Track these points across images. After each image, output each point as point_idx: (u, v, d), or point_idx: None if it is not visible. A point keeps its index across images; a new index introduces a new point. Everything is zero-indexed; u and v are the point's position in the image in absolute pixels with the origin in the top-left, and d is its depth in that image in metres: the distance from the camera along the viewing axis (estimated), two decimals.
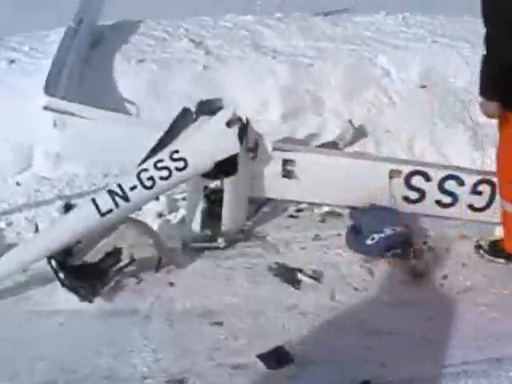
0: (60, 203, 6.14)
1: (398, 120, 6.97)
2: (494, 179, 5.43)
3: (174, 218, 5.95)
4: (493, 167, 5.36)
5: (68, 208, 5.49)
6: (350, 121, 6.79)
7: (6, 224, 5.97)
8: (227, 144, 5.17)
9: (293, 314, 4.86)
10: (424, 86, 7.24)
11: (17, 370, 4.39)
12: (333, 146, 6.59)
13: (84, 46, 7.65)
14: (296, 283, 5.17)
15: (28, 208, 6.17)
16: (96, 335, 4.72)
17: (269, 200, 6.01)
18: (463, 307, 4.95)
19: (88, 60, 7.47)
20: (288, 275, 5.25)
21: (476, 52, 7.12)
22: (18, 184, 6.51)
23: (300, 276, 5.23)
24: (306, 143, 6.64)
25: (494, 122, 5.10)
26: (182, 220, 5.88)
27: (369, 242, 5.40)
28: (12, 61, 7.46)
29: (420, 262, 5.34)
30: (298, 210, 6.12)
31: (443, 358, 4.42)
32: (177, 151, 5.06)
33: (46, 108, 5.98)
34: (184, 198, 5.97)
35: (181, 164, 5.04)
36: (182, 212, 5.96)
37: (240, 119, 5.30)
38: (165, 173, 5.03)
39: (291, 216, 6.08)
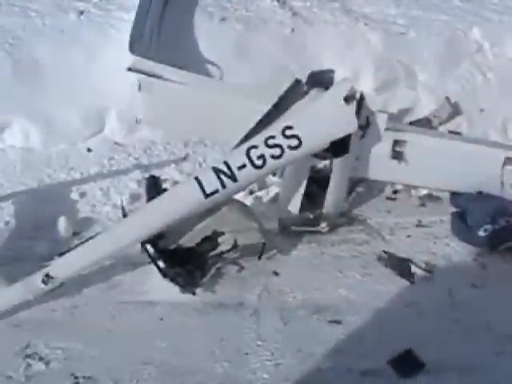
0: (138, 173, 5.35)
1: (493, 99, 6.22)
2: None
3: (266, 195, 5.18)
4: None
5: (152, 181, 4.70)
6: (448, 98, 6.08)
7: (79, 195, 5.23)
8: (345, 122, 4.42)
9: (413, 312, 4.25)
10: None
11: (120, 376, 3.73)
12: (426, 122, 5.86)
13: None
14: (410, 276, 4.55)
15: (102, 178, 5.42)
16: (204, 333, 4.05)
17: (362, 180, 5.24)
18: None
19: (165, 15, 6.49)
20: (400, 266, 4.62)
21: None
22: (89, 150, 5.72)
23: (413, 268, 4.57)
24: (399, 118, 5.85)
25: None
26: (274, 199, 5.16)
27: (481, 233, 4.74)
28: (81, 12, 6.46)
29: None
30: (395, 192, 5.47)
31: None
32: (290, 127, 4.30)
33: (131, 69, 5.10)
34: (274, 174, 5.18)
35: (294, 142, 4.29)
36: (273, 189, 5.21)
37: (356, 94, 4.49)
38: (277, 151, 4.28)
39: (389, 198, 5.43)
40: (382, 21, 6.62)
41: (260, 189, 5.25)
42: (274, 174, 5.22)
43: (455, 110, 6.10)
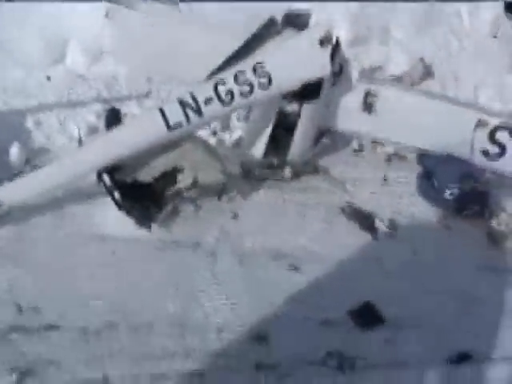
0: (98, 106, 5.02)
1: (466, 66, 5.94)
2: None
3: (229, 138, 4.90)
4: None
5: (112, 114, 4.40)
6: (422, 59, 5.80)
7: (35, 123, 4.87)
8: (318, 65, 4.19)
9: (374, 266, 4.04)
10: (495, 36, 6.19)
11: (67, 308, 3.49)
12: (398, 82, 5.60)
13: None
14: (373, 231, 4.33)
15: (60, 108, 5.07)
16: (158, 271, 3.82)
17: (329, 131, 4.97)
18: None
19: None
20: (363, 221, 4.39)
21: None
22: (48, 79, 5.32)
23: (376, 223, 4.36)
24: (370, 75, 5.59)
25: None
26: (238, 142, 4.87)
27: (447, 195, 4.54)
28: None
29: (498, 223, 4.53)
30: (361, 147, 5.17)
31: None
32: (261, 65, 4.04)
33: None
34: (239, 118, 4.95)
35: (264, 80, 4.06)
36: (237, 133, 4.92)
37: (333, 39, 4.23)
38: (246, 88, 4.05)
39: (355, 153, 5.15)
40: None
41: (224, 131, 4.95)
42: (239, 118, 4.96)
43: (428, 72, 5.84)
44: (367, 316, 3.65)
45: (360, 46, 5.74)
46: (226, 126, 5.00)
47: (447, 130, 4.71)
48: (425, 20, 6.04)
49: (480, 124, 4.68)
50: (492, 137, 4.71)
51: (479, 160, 4.75)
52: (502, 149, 4.75)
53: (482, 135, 4.70)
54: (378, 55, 5.80)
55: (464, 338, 3.58)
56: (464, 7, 6.14)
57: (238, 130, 4.98)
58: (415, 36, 5.95)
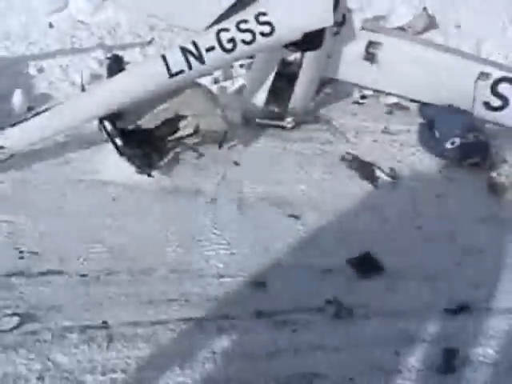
0: (101, 53, 4.91)
1: (470, 16, 5.80)
2: None
3: (231, 86, 4.80)
4: None
5: (115, 61, 4.30)
6: (425, 9, 5.67)
7: (37, 70, 4.77)
8: (321, 14, 4.08)
9: (374, 215, 3.97)
10: None
11: (67, 254, 3.39)
12: (400, 32, 5.49)
13: None
14: (373, 180, 4.26)
15: (62, 55, 4.97)
16: (158, 217, 3.73)
17: (330, 82, 4.87)
18: None
19: None
20: (363, 169, 4.32)
21: None
22: (50, 26, 5.20)
23: (377, 172, 4.28)
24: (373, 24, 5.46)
25: None
26: (239, 90, 4.78)
27: (448, 145, 4.46)
28: None
29: (498, 175, 4.43)
30: (363, 97, 5.12)
31: None
32: (264, 13, 3.95)
33: None
34: (241, 66, 4.83)
35: (267, 29, 3.96)
36: (239, 81, 4.85)
37: None
38: (248, 36, 3.95)
39: (356, 102, 5.08)
40: None
41: (225, 79, 4.86)
42: (242, 66, 4.86)
43: (431, 23, 5.72)
44: (366, 264, 3.57)
45: None
46: (228, 75, 4.89)
47: (449, 81, 4.65)
48: None
49: (482, 76, 4.60)
50: (494, 89, 4.63)
51: (481, 112, 4.69)
52: (505, 101, 4.69)
53: (485, 87, 4.62)
54: (381, 5, 5.66)
55: (463, 288, 3.50)
56: None
57: (239, 79, 4.89)
58: None
